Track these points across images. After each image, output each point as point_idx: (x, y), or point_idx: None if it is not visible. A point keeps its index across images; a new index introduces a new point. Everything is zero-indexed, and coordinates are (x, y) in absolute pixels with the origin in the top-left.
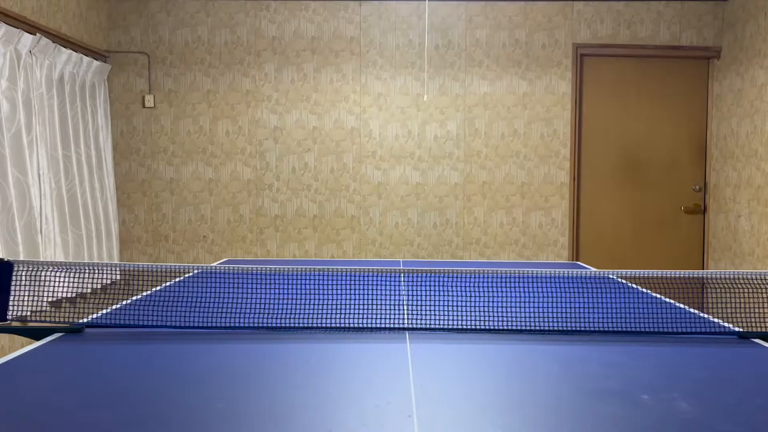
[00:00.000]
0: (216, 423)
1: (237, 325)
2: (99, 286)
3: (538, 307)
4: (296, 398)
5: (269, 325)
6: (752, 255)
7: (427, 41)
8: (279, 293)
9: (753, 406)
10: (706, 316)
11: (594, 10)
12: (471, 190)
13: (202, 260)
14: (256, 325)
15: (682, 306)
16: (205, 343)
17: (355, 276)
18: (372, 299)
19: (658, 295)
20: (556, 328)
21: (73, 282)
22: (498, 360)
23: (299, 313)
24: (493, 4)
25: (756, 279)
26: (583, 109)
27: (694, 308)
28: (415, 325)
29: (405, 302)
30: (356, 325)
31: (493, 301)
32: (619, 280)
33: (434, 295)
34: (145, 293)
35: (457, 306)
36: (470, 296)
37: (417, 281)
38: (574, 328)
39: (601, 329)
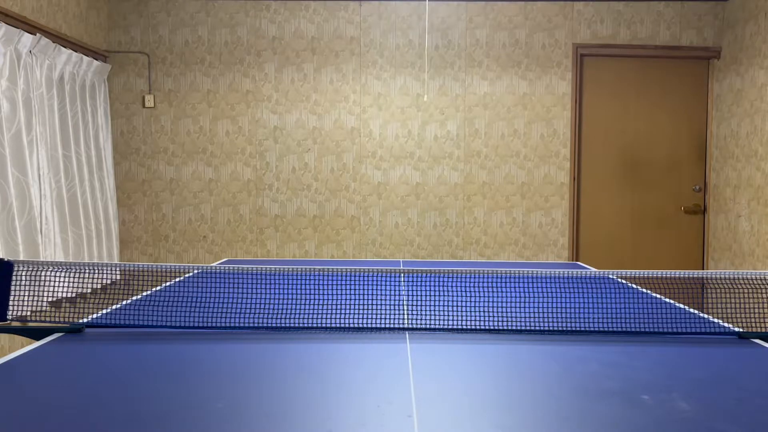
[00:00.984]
0: (216, 423)
1: (237, 325)
2: (99, 286)
3: (538, 307)
4: (296, 398)
5: (269, 325)
6: (752, 255)
7: (427, 41)
8: (279, 293)
9: (753, 406)
10: (706, 316)
11: (594, 10)
12: (471, 190)
13: (202, 260)
14: (256, 325)
15: (682, 306)
16: (205, 343)
17: (355, 276)
18: (372, 299)
19: (658, 295)
20: (556, 328)
21: (73, 282)
22: (498, 360)
23: (299, 313)
24: (493, 4)
25: (756, 279)
26: (583, 109)
27: (694, 308)
28: (415, 325)
29: (405, 302)
30: (356, 325)
31: (493, 301)
32: (619, 280)
33: (434, 295)
34: (145, 293)
35: (457, 306)
36: (470, 296)
37: (417, 281)
38: (574, 328)
39: (601, 329)
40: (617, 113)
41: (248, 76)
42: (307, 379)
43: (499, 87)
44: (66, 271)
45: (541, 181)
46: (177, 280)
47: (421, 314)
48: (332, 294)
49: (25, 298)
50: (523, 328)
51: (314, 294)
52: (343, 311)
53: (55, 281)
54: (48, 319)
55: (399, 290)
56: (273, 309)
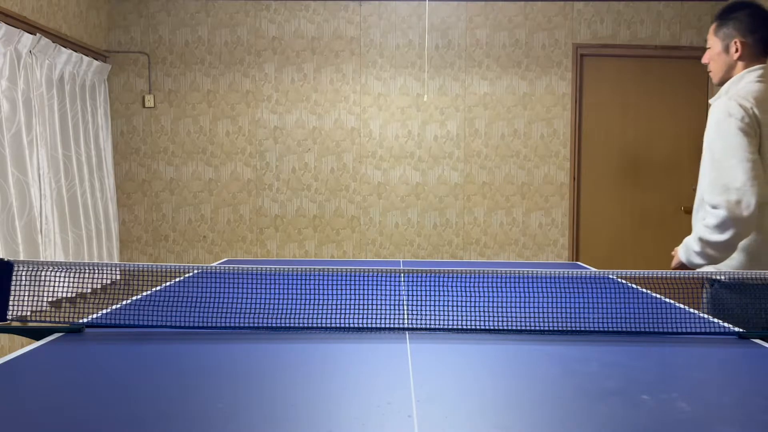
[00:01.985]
0: (216, 423)
1: (237, 325)
2: (99, 286)
3: (538, 307)
4: (296, 398)
5: (269, 325)
6: None
7: (427, 41)
8: (279, 293)
9: (753, 406)
10: (706, 316)
11: (594, 10)
12: (471, 190)
13: (202, 260)
14: (256, 325)
15: (682, 306)
16: (205, 343)
17: (355, 276)
18: (372, 299)
19: (658, 295)
20: (556, 328)
21: (73, 282)
22: (498, 360)
23: (299, 313)
24: (493, 4)
25: (756, 279)
26: (583, 109)
27: (694, 308)
28: (415, 325)
29: (405, 302)
30: (356, 325)
31: (493, 301)
32: (619, 280)
33: (434, 295)
34: (145, 293)
35: (457, 306)
36: (470, 296)
37: (417, 281)
38: (574, 328)
39: (601, 329)
40: (617, 113)
41: (248, 76)
42: (307, 379)
43: (499, 87)
44: (66, 271)
45: (541, 181)
46: (177, 280)
47: (421, 314)
48: (332, 294)
49: (25, 298)
50: (523, 328)
51: (314, 294)
52: (343, 311)
53: (55, 281)
54: (48, 319)
55: (399, 290)
56: (273, 309)
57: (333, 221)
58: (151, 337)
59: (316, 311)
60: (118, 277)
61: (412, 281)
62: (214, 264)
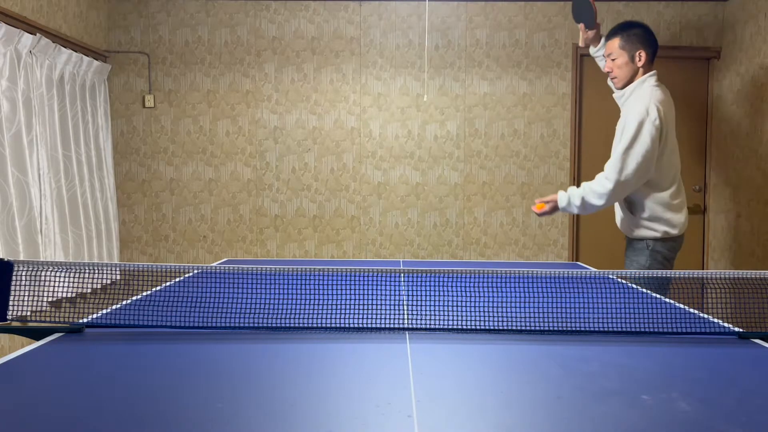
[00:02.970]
0: (216, 423)
1: (237, 325)
2: (99, 286)
3: (538, 307)
4: (296, 398)
5: (269, 325)
6: (752, 255)
7: (427, 41)
8: (279, 293)
9: (753, 406)
10: (706, 316)
11: None
12: (471, 190)
13: (202, 260)
14: (256, 325)
15: (682, 306)
16: (205, 343)
17: (355, 276)
18: (372, 299)
19: (658, 295)
20: (556, 328)
21: (73, 282)
22: (498, 360)
23: (299, 313)
24: (493, 4)
25: (756, 279)
26: (583, 109)
27: (694, 308)
28: (415, 325)
29: (405, 302)
30: (356, 325)
31: (493, 301)
32: (619, 280)
33: (434, 295)
34: (145, 293)
35: (457, 306)
36: (470, 296)
37: (417, 281)
38: (574, 328)
39: (601, 329)
40: (617, 113)
41: (248, 76)
42: (307, 379)
43: (499, 87)
44: (66, 271)
45: (541, 181)
46: (177, 280)
47: (421, 314)
48: (332, 294)
49: (25, 298)
50: (523, 328)
51: (314, 294)
52: (343, 311)
53: (55, 281)
54: (48, 319)
55: (399, 290)
56: (273, 309)
57: (333, 221)
58: (151, 337)
59: (316, 311)
60: (118, 277)
61: (412, 281)
62: (214, 264)
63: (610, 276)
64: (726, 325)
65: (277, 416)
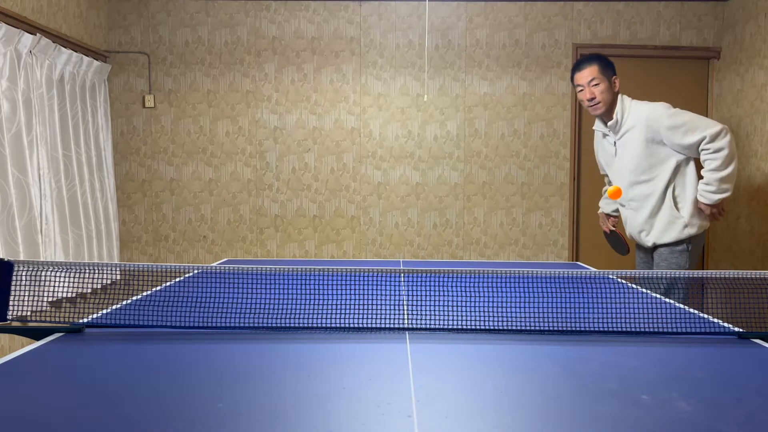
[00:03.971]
0: (216, 423)
1: (237, 325)
2: (99, 286)
3: (538, 307)
4: (296, 398)
5: (269, 325)
6: (752, 255)
7: (427, 41)
8: (279, 293)
9: (753, 406)
10: (706, 316)
11: (594, 10)
12: (471, 190)
13: (202, 260)
14: (256, 325)
15: (682, 306)
16: (205, 343)
17: (355, 276)
18: (372, 299)
19: (658, 296)
20: (556, 328)
21: (73, 282)
22: (498, 360)
23: (299, 313)
24: (493, 4)
25: (756, 279)
26: (583, 109)
27: (694, 308)
28: (415, 325)
29: (405, 302)
30: (356, 325)
31: (493, 301)
32: (619, 280)
33: (434, 295)
34: (145, 293)
35: (457, 306)
36: (470, 296)
37: (417, 281)
38: (574, 328)
39: (601, 329)
40: None
41: (248, 76)
42: (307, 379)
43: (499, 87)
44: (66, 271)
45: (541, 181)
46: (177, 280)
47: (421, 314)
48: (332, 294)
49: (25, 298)
50: (523, 328)
51: (314, 294)
52: (343, 311)
53: (55, 281)
54: (48, 319)
55: (399, 290)
56: (273, 309)
57: (333, 221)
58: (151, 337)
59: (316, 311)
60: (118, 277)
61: (412, 281)
62: (214, 264)
63: (610, 276)
64: (726, 325)
65: (277, 416)
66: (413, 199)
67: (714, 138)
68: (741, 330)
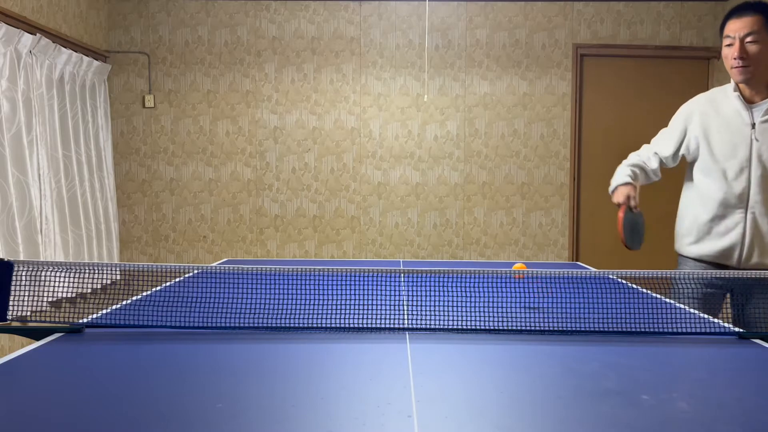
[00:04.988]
0: (216, 423)
1: (237, 325)
2: (99, 286)
3: (538, 307)
4: (296, 398)
5: (269, 325)
6: None
7: (427, 41)
8: (279, 293)
9: (753, 406)
10: (706, 316)
11: (594, 10)
12: (471, 190)
13: (202, 260)
14: (256, 325)
15: (682, 306)
16: (205, 343)
17: (355, 276)
18: (372, 299)
19: (658, 295)
20: (556, 328)
21: (73, 282)
22: (498, 360)
23: (299, 313)
24: (493, 4)
25: (756, 279)
26: (583, 109)
27: (694, 308)
28: (415, 326)
29: (405, 302)
30: (356, 325)
31: (493, 301)
32: (619, 280)
33: (434, 295)
34: (145, 293)
35: (457, 306)
36: (470, 296)
37: (417, 281)
38: (574, 328)
39: (601, 329)
40: (617, 113)
41: (248, 76)
42: (307, 379)
43: (499, 87)
44: (66, 271)
45: (541, 181)
46: (177, 280)
47: (421, 314)
48: (332, 294)
49: (25, 298)
50: (523, 328)
51: (314, 294)
52: (343, 311)
53: (55, 281)
54: (48, 319)
55: (399, 290)
56: (273, 309)
57: (333, 221)
58: (151, 337)
59: (316, 311)
60: (118, 277)
61: (412, 281)
62: (214, 264)
63: (610, 276)
64: (726, 325)
65: (277, 416)
66: (413, 199)
67: None
68: (741, 330)
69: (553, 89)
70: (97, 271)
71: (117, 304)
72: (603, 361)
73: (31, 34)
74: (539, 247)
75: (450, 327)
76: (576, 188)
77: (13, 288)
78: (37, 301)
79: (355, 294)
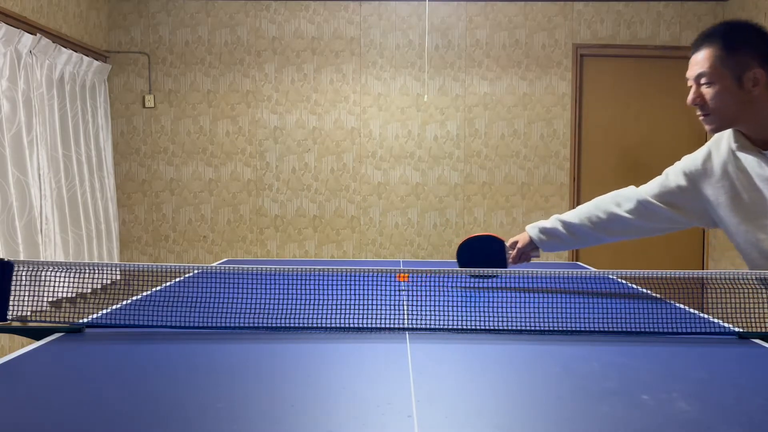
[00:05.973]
0: (216, 423)
1: (237, 325)
2: (99, 286)
3: (538, 307)
4: (296, 398)
5: (269, 325)
6: None
7: (427, 41)
8: (279, 293)
9: (753, 406)
10: (705, 316)
11: (594, 10)
12: (471, 190)
13: (202, 260)
14: (256, 325)
15: (682, 306)
16: (204, 343)
17: (355, 276)
18: (372, 299)
19: (658, 295)
20: (556, 328)
21: (73, 282)
22: (498, 360)
23: (299, 313)
24: (493, 4)
25: (756, 279)
26: (583, 109)
27: (694, 308)
28: (415, 326)
29: (405, 302)
30: (356, 325)
31: (492, 302)
32: (619, 280)
33: (434, 295)
34: (145, 293)
35: (457, 306)
36: (470, 296)
37: (417, 281)
38: (574, 328)
39: (601, 329)
40: (617, 113)
41: (248, 76)
42: (307, 380)
43: (499, 87)
44: (66, 271)
45: (541, 181)
46: (177, 280)
47: (421, 314)
48: (332, 294)
49: (25, 298)
50: (523, 328)
51: (314, 294)
52: (342, 311)
53: (55, 281)
54: (48, 319)
55: (399, 290)
56: (273, 309)
57: (333, 221)
58: (151, 337)
59: (316, 311)
60: (118, 277)
61: (412, 281)
62: (214, 264)
63: (610, 276)
64: (726, 325)
65: (276, 416)
66: (413, 199)
67: None
68: (741, 330)
69: (553, 89)
70: (97, 271)
71: (117, 304)
72: (603, 361)
73: (31, 34)
74: None
75: (450, 327)
76: (576, 188)
77: (13, 288)
78: (37, 301)
79: (355, 294)
